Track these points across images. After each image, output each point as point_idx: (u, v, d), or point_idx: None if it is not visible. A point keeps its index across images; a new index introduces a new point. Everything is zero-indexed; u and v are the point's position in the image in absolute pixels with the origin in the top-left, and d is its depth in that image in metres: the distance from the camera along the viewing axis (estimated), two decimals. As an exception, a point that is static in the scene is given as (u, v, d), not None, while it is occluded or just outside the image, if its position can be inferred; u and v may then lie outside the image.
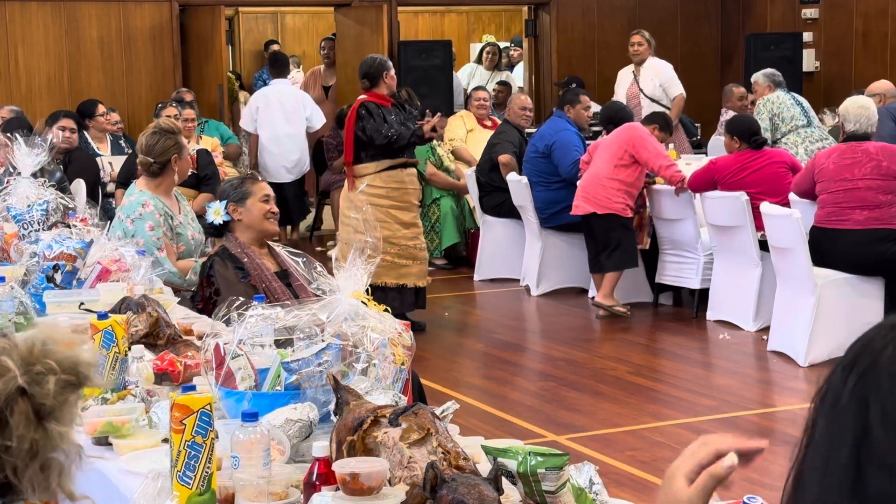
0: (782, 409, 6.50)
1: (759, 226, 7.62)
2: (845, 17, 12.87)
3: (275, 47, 15.42)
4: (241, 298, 3.18)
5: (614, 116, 8.71)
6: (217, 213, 4.87)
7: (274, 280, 4.70)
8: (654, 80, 11.04)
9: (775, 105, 9.63)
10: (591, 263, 8.53)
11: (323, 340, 2.96)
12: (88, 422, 3.04)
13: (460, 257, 10.34)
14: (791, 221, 7.00)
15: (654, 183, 8.44)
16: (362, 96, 7.79)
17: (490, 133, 10.22)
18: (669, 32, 13.12)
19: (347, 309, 2.96)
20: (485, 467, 2.45)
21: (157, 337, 3.70)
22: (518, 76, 14.43)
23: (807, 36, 13.11)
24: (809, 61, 13.07)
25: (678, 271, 8.53)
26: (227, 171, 9.46)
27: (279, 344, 3.05)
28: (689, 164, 8.90)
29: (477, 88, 11.42)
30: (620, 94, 11.19)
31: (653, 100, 10.92)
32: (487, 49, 13.96)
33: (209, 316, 4.21)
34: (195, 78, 12.48)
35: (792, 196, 7.63)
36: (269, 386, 2.93)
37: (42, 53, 11.93)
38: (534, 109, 10.43)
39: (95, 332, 3.32)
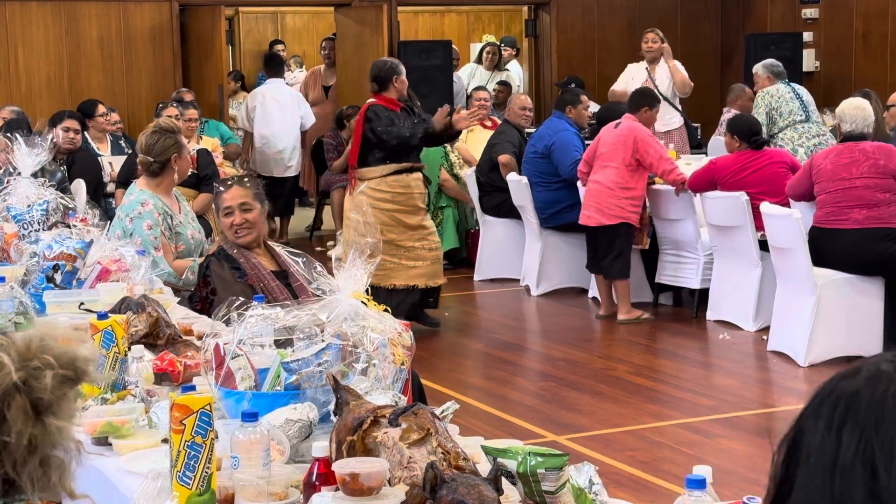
0: (782, 409, 6.50)
1: (759, 226, 7.62)
2: (845, 17, 12.87)
3: (279, 47, 15.44)
4: (241, 298, 3.18)
5: (611, 119, 8.66)
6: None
7: (271, 279, 4.70)
8: (669, 79, 11.03)
9: (774, 99, 9.62)
10: (590, 262, 8.51)
11: (323, 340, 2.96)
12: (88, 422, 3.05)
13: (460, 258, 10.34)
14: (791, 221, 7.00)
15: (654, 183, 8.43)
16: (370, 99, 7.78)
17: (490, 133, 10.21)
18: (669, 32, 13.09)
19: (347, 309, 2.95)
20: (485, 467, 2.45)
21: (157, 337, 3.70)
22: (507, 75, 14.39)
23: (807, 36, 13.10)
24: (809, 61, 13.07)
25: (678, 271, 8.53)
26: (227, 171, 9.46)
27: (279, 344, 3.05)
28: (689, 164, 8.89)
29: (477, 88, 11.42)
30: (631, 89, 11.15)
31: (666, 97, 10.93)
32: (487, 49, 13.95)
33: (207, 316, 4.21)
34: (195, 78, 12.48)
35: (792, 196, 7.65)
36: (269, 386, 2.93)
37: (42, 53, 11.93)
38: (534, 109, 10.42)
39: (95, 332, 3.32)
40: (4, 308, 3.90)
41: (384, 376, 2.92)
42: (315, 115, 12.87)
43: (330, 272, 3.10)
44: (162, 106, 9.56)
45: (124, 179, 8.41)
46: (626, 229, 8.26)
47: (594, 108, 10.21)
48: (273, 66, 12.32)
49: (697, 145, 11.32)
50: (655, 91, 10.90)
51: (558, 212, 9.06)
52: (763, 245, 7.64)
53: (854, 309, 7.05)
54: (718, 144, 10.38)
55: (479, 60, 14.08)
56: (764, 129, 9.17)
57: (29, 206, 5.23)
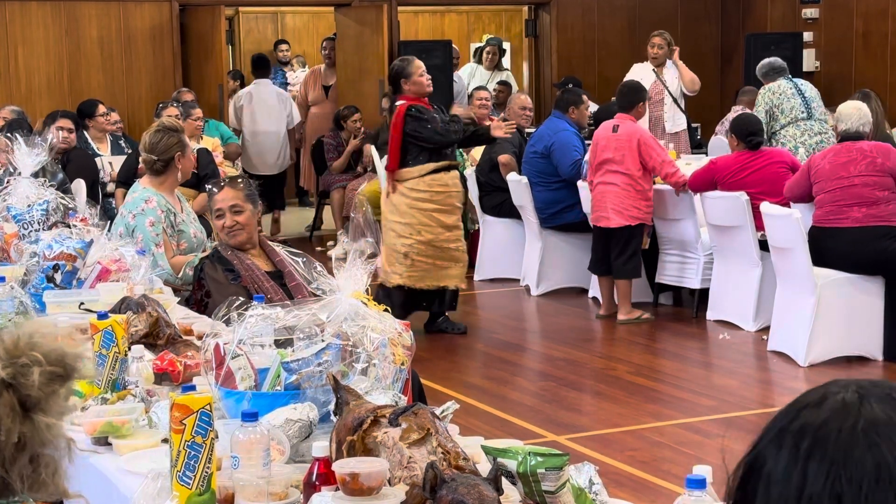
0: (782, 409, 6.49)
1: (759, 226, 7.62)
2: (845, 17, 12.86)
3: (283, 47, 15.46)
4: (240, 299, 3.18)
5: (607, 118, 8.65)
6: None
7: (266, 280, 4.69)
8: (678, 81, 11.02)
9: (775, 96, 9.61)
10: (597, 265, 8.46)
11: (323, 340, 2.95)
12: (88, 422, 3.05)
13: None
14: (791, 221, 7.00)
15: (654, 183, 8.43)
16: (400, 101, 7.77)
17: (490, 133, 10.20)
18: (669, 32, 13.08)
19: (347, 309, 2.95)
20: (485, 467, 2.45)
21: (157, 337, 3.70)
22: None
23: (807, 36, 13.10)
24: (809, 61, 13.06)
25: (678, 271, 8.53)
26: (227, 171, 9.47)
27: (279, 344, 3.05)
28: (689, 164, 8.89)
29: (478, 88, 11.42)
30: None
31: (675, 99, 10.92)
32: (488, 49, 13.95)
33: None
34: (195, 78, 12.48)
35: (792, 196, 7.65)
36: (269, 386, 2.93)
37: (42, 53, 11.93)
38: (534, 109, 10.41)
39: (95, 332, 3.32)
40: (4, 308, 3.90)
41: (384, 376, 2.92)
42: (315, 115, 12.91)
43: (330, 272, 3.10)
44: (162, 106, 9.56)
45: (125, 179, 8.41)
46: (640, 230, 8.28)
47: (593, 108, 10.21)
48: (260, 66, 12.94)
49: (698, 145, 11.32)
50: (664, 89, 10.92)
51: (558, 212, 9.06)
52: (763, 245, 7.64)
53: (854, 309, 7.05)
54: (718, 144, 10.38)
55: (479, 60, 14.08)
56: (764, 128, 9.16)
57: (29, 206, 5.22)
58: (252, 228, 4.89)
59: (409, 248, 7.72)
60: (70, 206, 5.36)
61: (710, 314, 8.18)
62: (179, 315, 4.30)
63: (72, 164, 9.00)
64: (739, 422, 6.03)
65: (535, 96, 13.35)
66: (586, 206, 8.79)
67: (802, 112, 9.55)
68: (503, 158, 9.52)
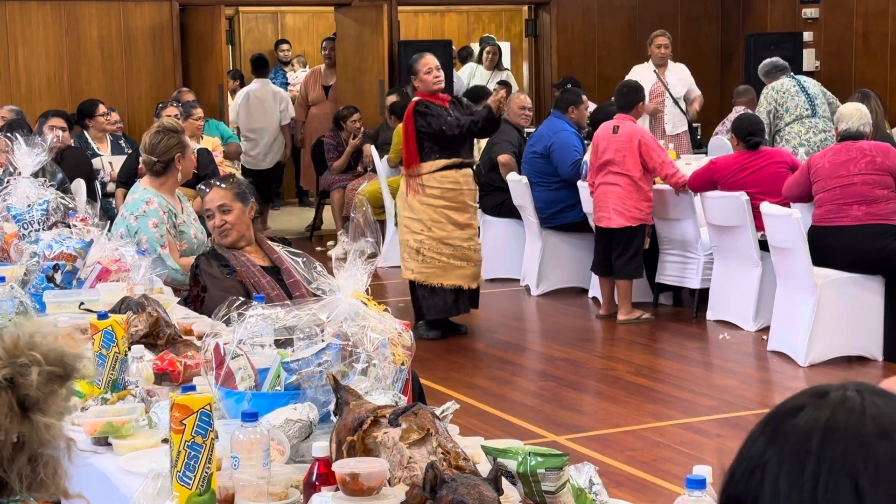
0: (782, 409, 6.49)
1: (759, 226, 7.62)
2: (845, 17, 12.87)
3: (284, 47, 15.47)
4: (240, 298, 3.17)
5: (606, 119, 8.64)
6: None
7: (262, 275, 4.70)
8: (679, 82, 11.02)
9: (779, 94, 9.62)
10: (600, 266, 8.45)
11: (323, 340, 2.95)
12: (88, 422, 3.05)
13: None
14: (791, 221, 7.00)
15: (654, 183, 8.43)
16: (415, 98, 7.77)
17: (490, 133, 10.20)
18: (669, 32, 13.09)
19: (347, 309, 2.95)
20: (485, 467, 2.45)
21: (157, 337, 3.70)
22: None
23: (807, 36, 13.10)
24: (809, 61, 13.06)
25: (678, 271, 8.53)
26: (227, 171, 9.47)
27: (279, 344, 3.05)
28: (689, 164, 8.89)
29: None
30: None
31: (675, 100, 10.92)
32: (488, 49, 13.95)
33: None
34: (195, 78, 12.48)
35: (792, 196, 7.65)
36: (269, 386, 2.93)
37: (42, 53, 11.93)
38: (533, 109, 10.40)
39: (95, 332, 3.32)
40: (4, 308, 3.90)
41: (384, 376, 2.91)
42: (315, 115, 12.95)
43: (330, 272, 3.10)
44: (162, 106, 9.56)
45: (125, 179, 8.41)
46: (642, 230, 8.28)
47: (592, 108, 10.21)
48: (259, 66, 13.46)
49: (698, 145, 11.32)
50: (665, 90, 10.91)
51: (558, 212, 9.06)
52: (763, 245, 7.64)
53: (854, 309, 7.05)
54: (719, 144, 10.38)
55: (479, 60, 14.08)
56: (766, 129, 9.17)
57: (29, 206, 5.22)
58: (243, 226, 4.89)
59: (420, 244, 7.72)
60: (70, 206, 5.36)
61: (710, 314, 8.18)
62: (179, 315, 4.30)
63: (66, 162, 8.98)
64: (739, 422, 6.03)
65: (535, 96, 13.35)
66: (586, 206, 8.79)
67: (807, 109, 9.55)
68: (503, 158, 9.51)
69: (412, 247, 7.75)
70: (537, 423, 6.10)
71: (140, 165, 6.32)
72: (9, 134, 6.53)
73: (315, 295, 3.17)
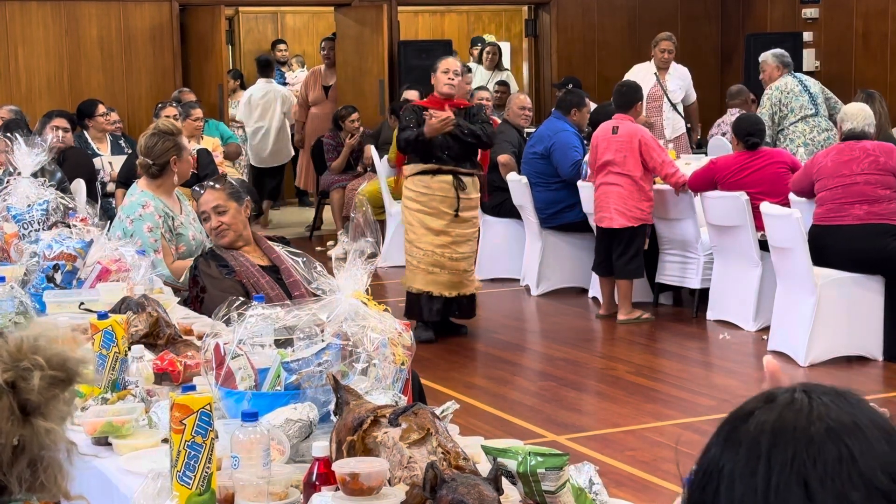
0: (782, 409, 6.49)
1: (759, 226, 7.62)
2: (845, 17, 12.87)
3: (281, 47, 15.47)
4: (240, 298, 3.17)
5: (605, 119, 8.63)
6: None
7: (260, 275, 4.70)
8: (678, 84, 11.02)
9: (783, 94, 9.61)
10: (601, 266, 8.44)
11: (323, 340, 2.95)
12: (88, 422, 3.05)
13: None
14: (791, 221, 7.00)
15: (654, 183, 8.43)
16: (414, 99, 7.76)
17: (490, 133, 10.19)
18: (669, 32, 13.11)
19: (347, 309, 2.95)
20: (485, 467, 2.45)
21: (157, 337, 3.70)
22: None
23: (807, 36, 13.10)
24: (809, 61, 13.06)
25: (678, 271, 8.53)
26: (227, 171, 9.48)
27: (279, 344, 3.05)
28: (689, 164, 8.89)
29: (479, 88, 11.42)
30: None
31: (673, 104, 10.92)
32: (488, 49, 13.96)
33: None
34: (195, 78, 12.49)
35: (792, 196, 7.64)
36: (269, 386, 2.93)
37: (42, 53, 11.93)
38: (533, 109, 10.40)
39: (95, 332, 3.32)
40: (4, 308, 3.90)
41: (384, 376, 2.91)
42: (315, 116, 12.96)
43: (330, 272, 3.10)
44: (161, 106, 9.56)
45: (125, 179, 8.41)
46: (643, 230, 8.28)
47: (592, 107, 10.20)
48: (264, 67, 13.72)
49: (698, 145, 11.32)
50: (664, 95, 10.91)
51: (558, 212, 9.05)
52: (763, 245, 7.64)
53: (854, 309, 7.05)
54: (719, 144, 10.38)
55: (479, 60, 14.08)
56: (768, 130, 9.17)
57: (29, 206, 5.22)
58: (239, 226, 4.87)
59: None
60: (70, 206, 5.36)
61: (710, 314, 8.18)
62: (179, 315, 4.30)
63: (68, 162, 8.98)
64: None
65: (535, 96, 13.35)
66: (586, 206, 8.79)
67: (811, 109, 9.56)
68: (503, 158, 9.51)
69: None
70: (537, 423, 6.10)
71: (139, 166, 6.31)
72: (8, 134, 6.53)
73: (315, 295, 3.17)
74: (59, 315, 4.07)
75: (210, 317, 3.58)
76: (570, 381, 6.94)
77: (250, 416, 2.57)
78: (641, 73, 10.90)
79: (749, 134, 7.96)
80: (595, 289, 8.81)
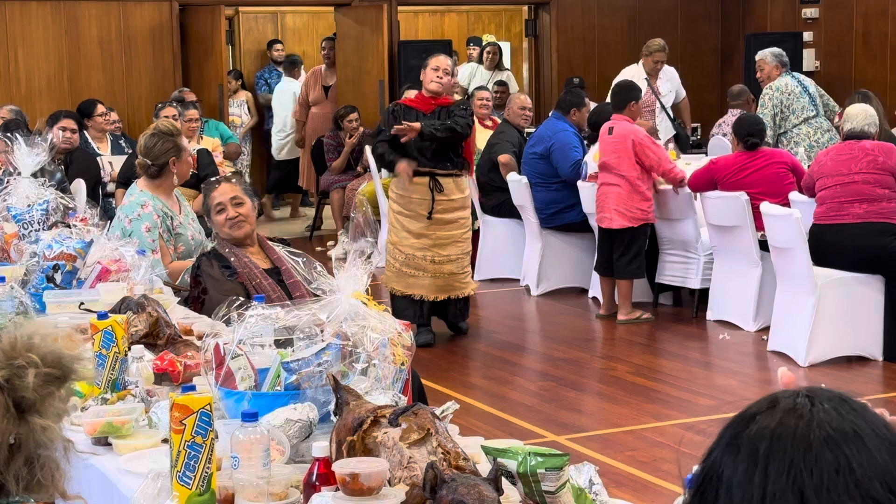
0: (782, 409, 6.49)
1: (759, 226, 7.62)
2: (845, 17, 12.87)
3: (278, 47, 15.45)
4: (240, 298, 3.17)
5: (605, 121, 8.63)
6: None
7: (263, 278, 4.69)
8: (668, 87, 11.01)
9: (784, 95, 9.61)
10: (603, 266, 8.44)
11: (323, 340, 2.95)
12: (88, 422, 3.05)
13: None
14: (791, 221, 7.00)
15: (657, 184, 8.43)
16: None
17: (490, 133, 10.20)
18: (669, 32, 13.10)
19: (347, 309, 2.95)
20: (485, 467, 2.45)
21: (157, 337, 3.70)
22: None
23: (807, 36, 13.10)
24: (809, 61, 13.06)
25: (678, 271, 8.53)
26: (227, 171, 9.47)
27: (279, 344, 3.05)
28: (689, 164, 8.89)
29: (479, 88, 11.41)
30: None
31: (663, 106, 10.92)
32: (488, 49, 13.95)
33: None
34: (195, 78, 12.49)
35: (792, 196, 7.64)
36: (269, 386, 2.93)
37: (42, 53, 11.93)
38: (533, 109, 10.40)
39: (95, 332, 3.32)
40: (4, 308, 3.90)
41: (384, 376, 2.92)
42: (315, 116, 12.97)
43: (330, 272, 3.10)
44: (161, 106, 9.56)
45: (124, 179, 8.41)
46: (644, 230, 8.28)
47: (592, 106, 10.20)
48: (287, 66, 14.11)
49: (697, 145, 11.32)
50: (657, 100, 10.89)
51: (558, 212, 9.05)
52: (763, 245, 7.64)
53: (854, 309, 7.05)
54: (718, 144, 10.37)
55: (479, 60, 14.08)
56: (769, 130, 9.17)
57: (29, 206, 5.22)
58: (254, 221, 4.90)
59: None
60: (70, 206, 5.36)
61: (710, 314, 8.18)
62: (179, 315, 4.30)
63: (74, 164, 9.00)
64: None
65: (535, 96, 13.35)
66: (586, 206, 8.79)
67: (812, 110, 9.56)
68: (503, 158, 9.51)
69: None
70: (537, 423, 6.10)
71: (140, 166, 6.31)
72: (8, 134, 6.53)
73: (315, 295, 3.17)
74: (60, 315, 4.08)
75: (210, 318, 3.58)
76: (570, 381, 6.94)
77: (250, 417, 2.57)
78: (634, 77, 10.90)
79: (749, 134, 7.95)
80: (595, 289, 8.81)
